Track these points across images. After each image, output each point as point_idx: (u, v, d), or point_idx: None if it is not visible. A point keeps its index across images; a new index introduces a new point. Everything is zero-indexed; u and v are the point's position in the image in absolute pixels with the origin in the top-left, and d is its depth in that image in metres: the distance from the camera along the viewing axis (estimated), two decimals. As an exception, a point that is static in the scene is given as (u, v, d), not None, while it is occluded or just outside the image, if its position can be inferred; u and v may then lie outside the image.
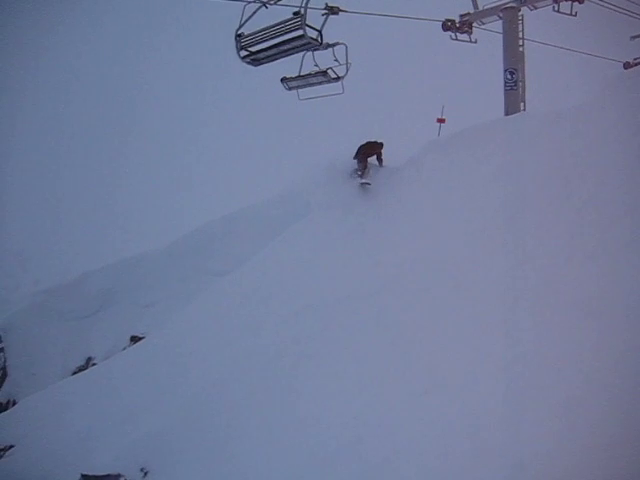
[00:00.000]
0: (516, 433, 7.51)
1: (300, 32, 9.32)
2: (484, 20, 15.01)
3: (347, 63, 11.50)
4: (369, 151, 14.69)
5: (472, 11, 15.05)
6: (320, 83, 12.07)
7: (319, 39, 9.64)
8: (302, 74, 12.04)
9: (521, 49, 14.22)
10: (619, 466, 6.52)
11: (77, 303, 16.33)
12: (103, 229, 19.58)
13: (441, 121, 16.25)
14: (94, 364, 13.87)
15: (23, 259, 19.46)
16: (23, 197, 22.64)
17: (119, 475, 9.64)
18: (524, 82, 14.29)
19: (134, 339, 13.68)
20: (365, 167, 14.46)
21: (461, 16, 15.04)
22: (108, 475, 9.65)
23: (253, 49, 10.04)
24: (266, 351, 10.53)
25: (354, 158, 14.67)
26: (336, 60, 11.39)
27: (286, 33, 9.47)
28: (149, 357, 11.79)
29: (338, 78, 11.82)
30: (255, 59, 10.32)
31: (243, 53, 10.13)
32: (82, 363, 14.54)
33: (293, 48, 9.92)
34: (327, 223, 13.24)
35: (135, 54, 29.39)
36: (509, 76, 13.99)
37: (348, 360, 9.74)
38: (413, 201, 12.96)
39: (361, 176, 14.33)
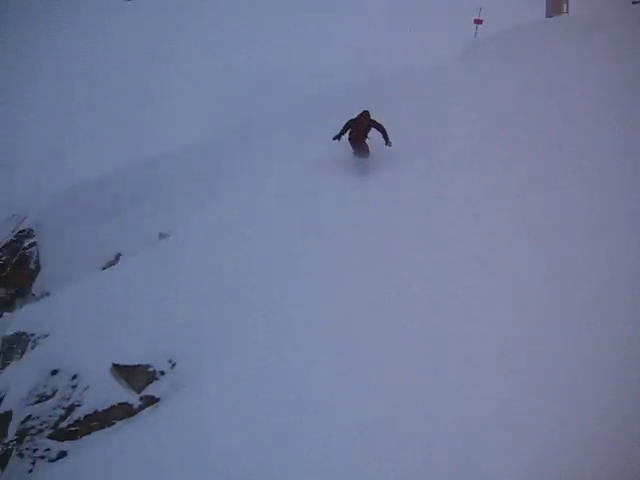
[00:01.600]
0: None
1: None
2: None
3: None
4: (363, 129, 12.59)
5: None
6: None
7: None
8: None
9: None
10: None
11: (107, 201, 16.55)
12: (130, 126, 19.42)
13: (478, 22, 15.62)
14: (124, 260, 14.09)
15: (54, 152, 19.45)
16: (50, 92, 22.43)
17: (148, 366, 10.06)
18: (569, -20, 13.57)
19: (162, 236, 13.83)
20: (367, 151, 12.80)
21: None
22: (138, 365, 10.07)
23: None
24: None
25: (345, 137, 12.82)
26: None
27: None
28: (176, 254, 12.03)
29: None
30: None
31: None
32: (112, 259, 14.79)
33: None
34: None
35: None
36: (554, -27, 13.25)
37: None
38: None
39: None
